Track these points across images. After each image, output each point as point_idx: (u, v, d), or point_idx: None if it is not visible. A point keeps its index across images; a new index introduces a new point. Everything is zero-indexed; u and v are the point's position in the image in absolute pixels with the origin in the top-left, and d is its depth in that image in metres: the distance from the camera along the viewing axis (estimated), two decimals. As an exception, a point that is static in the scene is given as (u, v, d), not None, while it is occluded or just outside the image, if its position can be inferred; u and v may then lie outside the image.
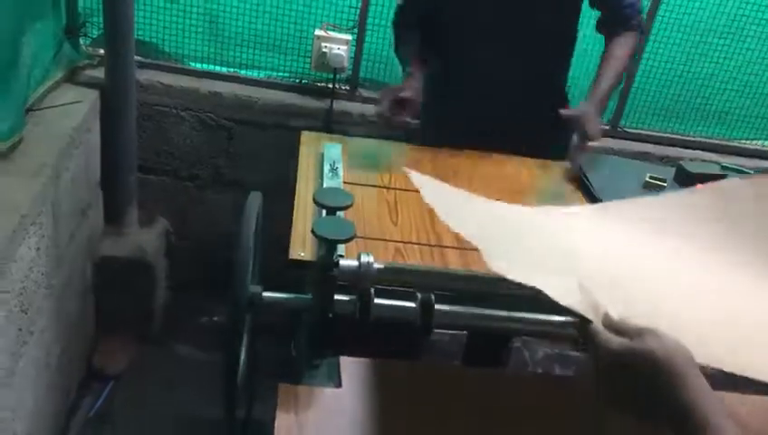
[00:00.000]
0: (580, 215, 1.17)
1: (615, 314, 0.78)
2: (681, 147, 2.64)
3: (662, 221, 1.09)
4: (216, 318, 2.60)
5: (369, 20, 2.43)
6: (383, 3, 2.41)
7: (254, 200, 1.08)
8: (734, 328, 0.91)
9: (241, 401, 1.19)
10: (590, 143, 1.77)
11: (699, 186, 1.32)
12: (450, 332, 2.74)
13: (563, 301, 0.83)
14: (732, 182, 1.15)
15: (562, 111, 1.78)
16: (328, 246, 1.04)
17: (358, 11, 2.41)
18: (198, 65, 2.52)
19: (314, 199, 1.14)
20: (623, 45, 1.87)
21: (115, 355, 2.34)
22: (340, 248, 1.17)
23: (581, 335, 0.80)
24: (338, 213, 1.16)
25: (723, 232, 1.06)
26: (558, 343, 2.70)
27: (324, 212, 1.17)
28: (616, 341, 0.74)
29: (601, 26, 1.94)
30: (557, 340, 2.39)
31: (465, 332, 2.48)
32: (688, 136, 2.67)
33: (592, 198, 1.64)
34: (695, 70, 2.53)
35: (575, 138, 1.83)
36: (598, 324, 0.78)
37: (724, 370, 0.78)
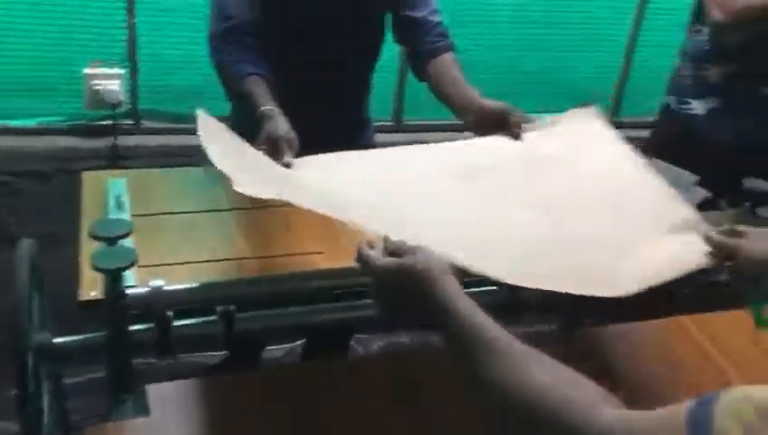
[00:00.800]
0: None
1: (394, 238, 0.91)
2: (458, 131, 2.83)
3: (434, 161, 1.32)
4: (29, 385, 2.42)
5: (142, 51, 2.40)
6: (151, 33, 2.38)
7: (25, 248, 1.04)
8: (489, 242, 1.10)
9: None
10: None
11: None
12: (284, 346, 2.76)
13: (346, 219, 0.98)
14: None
15: (489, 106, 1.61)
16: (110, 276, 1.03)
17: (125, 44, 2.37)
18: (-39, 122, 2.35)
19: (89, 233, 1.11)
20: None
21: None
22: (132, 279, 1.16)
23: (358, 260, 0.91)
24: (120, 243, 1.14)
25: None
26: (390, 334, 2.80)
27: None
28: (389, 260, 0.87)
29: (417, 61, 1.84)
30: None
31: (301, 342, 2.53)
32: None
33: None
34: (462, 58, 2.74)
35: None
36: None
37: (468, 270, 0.94)
